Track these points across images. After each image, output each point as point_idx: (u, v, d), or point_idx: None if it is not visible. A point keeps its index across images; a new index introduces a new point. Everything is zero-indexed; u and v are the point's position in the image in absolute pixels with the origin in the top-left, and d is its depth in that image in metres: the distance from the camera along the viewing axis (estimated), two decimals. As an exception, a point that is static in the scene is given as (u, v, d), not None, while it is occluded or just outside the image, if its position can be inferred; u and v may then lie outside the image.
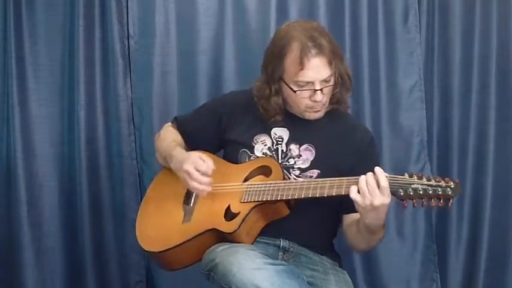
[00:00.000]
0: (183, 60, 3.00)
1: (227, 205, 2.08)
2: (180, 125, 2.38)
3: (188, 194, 2.19)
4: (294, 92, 2.10)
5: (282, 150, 2.18)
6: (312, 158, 2.16)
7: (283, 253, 2.10)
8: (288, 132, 2.20)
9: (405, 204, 1.91)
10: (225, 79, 2.99)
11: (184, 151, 2.20)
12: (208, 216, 2.09)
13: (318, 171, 2.14)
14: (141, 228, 2.20)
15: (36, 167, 2.93)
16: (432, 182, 1.88)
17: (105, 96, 2.98)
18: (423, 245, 3.16)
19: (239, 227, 1.99)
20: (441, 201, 1.88)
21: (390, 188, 1.88)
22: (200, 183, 2.07)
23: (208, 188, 2.08)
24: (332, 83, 2.12)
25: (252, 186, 2.09)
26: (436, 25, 3.15)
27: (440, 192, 1.87)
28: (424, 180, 1.89)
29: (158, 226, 2.17)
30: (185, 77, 3.00)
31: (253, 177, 2.13)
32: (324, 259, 2.16)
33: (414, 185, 1.88)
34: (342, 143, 2.19)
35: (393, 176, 1.91)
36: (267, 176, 2.11)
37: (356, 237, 2.09)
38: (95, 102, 2.96)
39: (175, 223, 2.13)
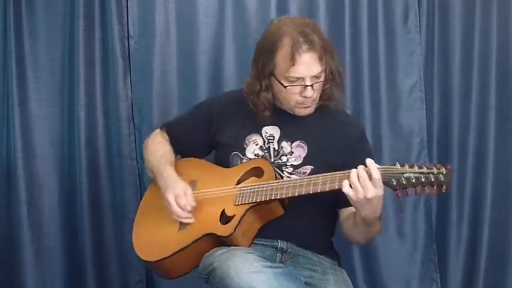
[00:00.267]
0: (183, 60, 3.00)
1: (222, 209, 2.08)
2: (168, 132, 2.38)
3: None
4: (285, 87, 2.10)
5: (274, 148, 2.18)
6: (304, 155, 2.16)
7: (281, 254, 2.11)
8: (278, 130, 2.19)
9: (399, 194, 1.91)
10: (225, 79, 2.99)
11: (172, 173, 2.20)
12: (203, 221, 2.09)
13: (312, 167, 2.14)
14: (138, 238, 2.21)
15: (36, 167, 2.94)
16: (424, 170, 1.87)
17: (105, 96, 2.98)
18: (423, 245, 3.15)
19: (235, 230, 2.00)
20: (435, 187, 1.88)
21: (383, 178, 1.88)
22: (178, 216, 2.10)
23: (187, 220, 2.10)
24: (322, 79, 2.12)
25: (245, 188, 2.09)
26: (436, 25, 3.15)
27: (432, 179, 1.87)
28: (416, 169, 1.88)
29: (155, 235, 2.17)
30: (185, 77, 3.00)
31: (246, 179, 2.13)
32: (323, 258, 2.16)
33: (407, 174, 1.88)
34: (333, 138, 2.19)
35: (385, 167, 1.91)
36: (260, 177, 2.11)
37: (353, 231, 2.09)
38: (95, 102, 2.96)
39: (172, 232, 2.13)
